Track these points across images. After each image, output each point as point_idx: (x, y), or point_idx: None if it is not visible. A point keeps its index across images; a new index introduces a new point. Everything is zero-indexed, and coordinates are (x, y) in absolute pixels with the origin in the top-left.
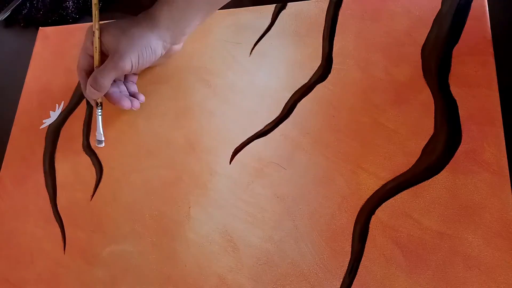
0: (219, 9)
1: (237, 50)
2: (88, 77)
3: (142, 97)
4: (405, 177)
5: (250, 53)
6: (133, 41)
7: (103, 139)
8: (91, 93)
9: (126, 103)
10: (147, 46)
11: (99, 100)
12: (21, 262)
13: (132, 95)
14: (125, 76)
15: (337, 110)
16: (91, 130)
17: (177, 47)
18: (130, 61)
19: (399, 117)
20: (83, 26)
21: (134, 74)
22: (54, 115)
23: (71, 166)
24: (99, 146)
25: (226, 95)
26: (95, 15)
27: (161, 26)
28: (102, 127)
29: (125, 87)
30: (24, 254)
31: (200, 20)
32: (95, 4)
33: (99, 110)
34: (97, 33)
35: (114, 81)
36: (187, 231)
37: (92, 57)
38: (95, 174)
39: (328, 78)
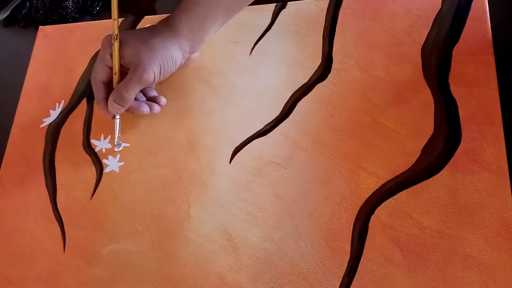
0: None
1: (237, 49)
2: (105, 89)
3: (163, 100)
4: (404, 176)
5: (250, 53)
6: (155, 52)
7: (120, 144)
8: (114, 109)
9: (145, 109)
10: (168, 56)
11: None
12: (21, 260)
13: (153, 99)
14: None
15: (337, 110)
16: (92, 129)
17: (195, 55)
18: (153, 73)
19: (399, 116)
20: (83, 25)
21: None
22: (54, 114)
23: (71, 165)
24: (118, 149)
25: (226, 95)
26: (116, 24)
27: (180, 35)
28: (119, 134)
29: (142, 93)
30: (24, 253)
31: (218, 27)
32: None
33: (118, 120)
34: (116, 46)
35: None
36: (186, 230)
37: (111, 68)
38: (95, 173)
39: (328, 78)
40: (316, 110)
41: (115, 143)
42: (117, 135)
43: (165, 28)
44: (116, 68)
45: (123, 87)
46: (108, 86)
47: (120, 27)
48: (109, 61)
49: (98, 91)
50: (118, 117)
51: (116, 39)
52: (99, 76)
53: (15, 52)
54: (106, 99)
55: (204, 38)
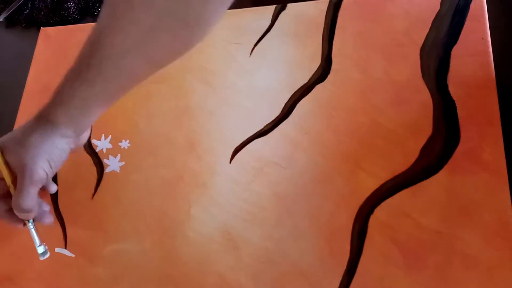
0: None
1: (237, 50)
2: (5, 202)
3: (53, 188)
4: (403, 176)
5: (250, 54)
6: (37, 149)
7: (45, 249)
8: (23, 217)
9: (48, 220)
10: (53, 148)
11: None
12: (22, 260)
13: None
14: None
15: (336, 110)
16: (92, 129)
17: (85, 134)
18: (43, 170)
19: (398, 117)
20: (85, 26)
21: None
22: None
23: (72, 165)
24: (44, 258)
25: (226, 95)
26: None
27: (60, 126)
28: (39, 239)
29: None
30: (25, 252)
31: (102, 110)
32: None
33: (31, 225)
34: (0, 156)
35: None
36: (187, 230)
37: (2, 179)
38: (96, 173)
39: (328, 79)
40: (316, 110)
41: (39, 252)
42: (37, 243)
43: (41, 123)
44: (9, 180)
45: (18, 197)
46: (8, 197)
47: None
48: None
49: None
50: (30, 224)
51: None
52: None
53: (17, 53)
54: (10, 210)
55: (87, 122)
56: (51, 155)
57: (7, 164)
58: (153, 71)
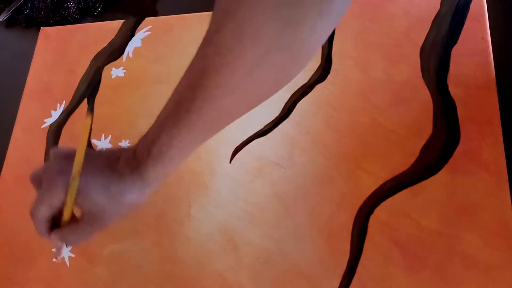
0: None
1: None
2: (48, 224)
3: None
4: (403, 176)
5: None
6: (119, 206)
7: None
8: (57, 245)
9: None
10: (134, 207)
11: None
12: (22, 260)
13: None
14: None
15: (336, 110)
16: (92, 129)
17: None
18: (110, 224)
19: (398, 117)
20: (84, 26)
21: None
22: (55, 115)
23: None
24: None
25: None
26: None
27: (151, 185)
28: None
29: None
30: (25, 253)
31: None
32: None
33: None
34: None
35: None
36: (187, 230)
37: (55, 209)
38: None
39: (327, 79)
40: (316, 110)
41: (58, 257)
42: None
43: (134, 174)
44: (70, 209)
45: (75, 234)
46: (51, 220)
47: (121, 29)
48: (55, 205)
49: (41, 227)
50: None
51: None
52: (41, 215)
53: (17, 53)
54: (50, 230)
55: (170, 173)
56: (127, 213)
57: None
58: (249, 110)
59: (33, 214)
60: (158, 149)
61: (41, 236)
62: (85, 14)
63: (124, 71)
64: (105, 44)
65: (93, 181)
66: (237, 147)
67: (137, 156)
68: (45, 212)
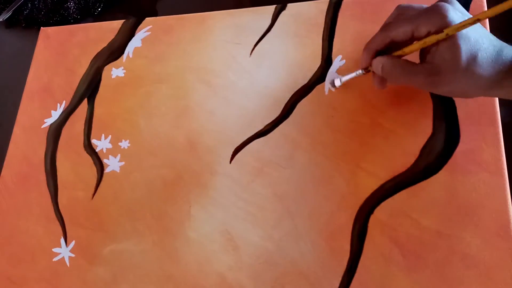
0: (218, 10)
1: (237, 50)
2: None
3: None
4: (403, 176)
5: (250, 54)
6: (465, 84)
7: (339, 84)
8: (375, 68)
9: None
10: (464, 94)
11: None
12: (22, 260)
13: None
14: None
15: (336, 111)
16: (92, 129)
17: None
18: (440, 91)
19: (398, 117)
20: (84, 26)
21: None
22: (55, 115)
23: (72, 165)
24: (333, 87)
25: (226, 95)
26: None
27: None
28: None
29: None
30: (25, 252)
31: None
32: None
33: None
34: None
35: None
36: (187, 230)
37: (393, 41)
38: (96, 173)
39: None
40: (316, 111)
41: (334, 82)
42: (345, 78)
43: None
44: (418, 46)
45: (403, 73)
46: (380, 50)
47: (121, 29)
48: (398, 36)
49: (369, 49)
50: (361, 72)
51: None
52: (375, 45)
53: (17, 53)
54: (375, 52)
55: None
56: (455, 93)
57: (430, 47)
58: None
59: (367, 44)
60: None
61: (365, 49)
62: (85, 14)
63: (124, 71)
64: (105, 44)
65: (474, 45)
66: (237, 147)
67: None
68: (379, 41)
